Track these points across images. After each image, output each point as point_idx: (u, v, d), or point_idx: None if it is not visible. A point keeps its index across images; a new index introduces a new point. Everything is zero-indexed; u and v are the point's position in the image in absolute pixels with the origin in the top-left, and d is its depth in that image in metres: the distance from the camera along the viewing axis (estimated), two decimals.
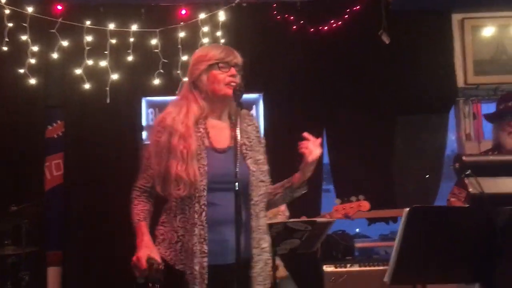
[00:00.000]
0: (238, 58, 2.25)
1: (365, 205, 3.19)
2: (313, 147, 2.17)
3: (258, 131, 2.32)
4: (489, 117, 3.39)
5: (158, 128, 2.22)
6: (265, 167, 2.26)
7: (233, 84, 2.18)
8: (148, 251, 2.13)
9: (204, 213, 2.10)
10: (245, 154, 2.20)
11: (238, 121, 2.04)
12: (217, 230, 2.12)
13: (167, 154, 2.16)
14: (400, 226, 1.72)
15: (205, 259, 2.08)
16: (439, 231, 1.70)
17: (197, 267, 2.08)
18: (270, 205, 2.31)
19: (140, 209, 2.26)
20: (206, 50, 2.30)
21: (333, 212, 3.20)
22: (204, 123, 2.24)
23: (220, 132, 2.24)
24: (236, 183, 1.93)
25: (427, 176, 4.52)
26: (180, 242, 2.16)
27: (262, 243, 2.20)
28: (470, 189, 1.68)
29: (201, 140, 2.19)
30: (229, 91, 2.18)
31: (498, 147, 3.24)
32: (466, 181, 1.68)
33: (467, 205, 2.75)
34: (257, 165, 2.22)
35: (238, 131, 2.01)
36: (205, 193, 2.11)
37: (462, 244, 1.71)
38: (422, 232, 1.70)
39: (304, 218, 3.06)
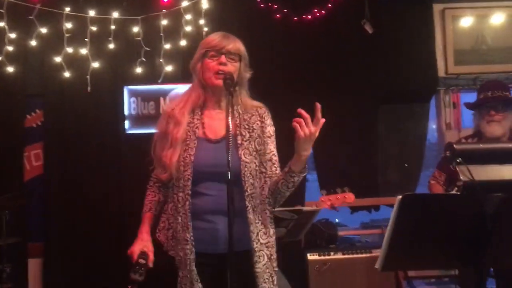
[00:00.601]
0: (232, 45, 2.21)
1: (350, 196, 3.29)
2: (304, 124, 2.05)
3: (263, 121, 2.25)
4: (470, 106, 3.45)
5: (163, 117, 2.27)
6: (268, 157, 2.21)
7: (220, 72, 2.15)
8: (141, 245, 2.16)
9: (187, 203, 2.10)
10: (239, 145, 2.17)
11: (230, 111, 2.01)
12: (206, 219, 2.12)
13: (165, 141, 2.18)
14: (392, 214, 1.74)
15: (188, 246, 2.09)
16: (431, 218, 1.72)
17: (181, 254, 2.11)
18: (277, 195, 2.20)
19: (148, 200, 2.30)
20: (206, 38, 2.31)
21: (320, 202, 3.27)
22: (201, 113, 2.24)
23: (216, 122, 2.23)
24: (228, 173, 1.91)
25: (405, 165, 4.57)
26: (171, 229, 2.20)
27: (263, 237, 2.15)
28: (461, 177, 1.70)
29: (192, 130, 2.19)
30: (217, 81, 2.15)
31: (478, 134, 3.33)
32: (457, 168, 1.71)
33: (451, 191, 2.81)
34: (256, 156, 2.18)
35: (230, 122, 1.99)
36: (189, 183, 2.11)
37: (453, 230, 1.74)
38: (414, 220, 1.72)
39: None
